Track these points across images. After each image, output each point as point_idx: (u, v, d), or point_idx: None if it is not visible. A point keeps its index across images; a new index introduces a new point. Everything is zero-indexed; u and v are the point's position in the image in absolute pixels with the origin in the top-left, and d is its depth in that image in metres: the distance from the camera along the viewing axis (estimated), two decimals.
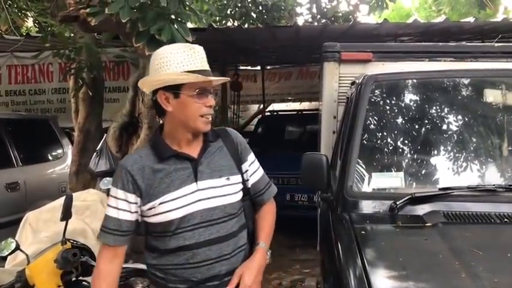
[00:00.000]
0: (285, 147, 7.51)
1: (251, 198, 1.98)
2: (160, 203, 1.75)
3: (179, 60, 1.73)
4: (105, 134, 4.93)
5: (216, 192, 1.81)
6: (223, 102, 9.53)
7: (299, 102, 10.99)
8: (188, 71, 1.72)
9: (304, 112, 9.03)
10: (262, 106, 11.08)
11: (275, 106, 11.02)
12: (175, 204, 1.76)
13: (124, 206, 1.76)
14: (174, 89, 1.74)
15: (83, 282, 2.32)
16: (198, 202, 1.78)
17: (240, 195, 1.89)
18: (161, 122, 1.87)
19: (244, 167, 1.94)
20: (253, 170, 1.97)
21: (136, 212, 1.79)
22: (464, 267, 1.69)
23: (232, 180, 1.86)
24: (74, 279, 2.25)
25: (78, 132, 5.28)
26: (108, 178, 3.85)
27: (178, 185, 1.77)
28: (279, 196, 7.52)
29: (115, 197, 1.77)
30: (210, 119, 1.80)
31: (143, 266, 2.76)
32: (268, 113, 9.78)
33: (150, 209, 1.76)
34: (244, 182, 1.92)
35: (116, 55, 5.82)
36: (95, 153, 4.70)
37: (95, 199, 3.53)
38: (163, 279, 1.82)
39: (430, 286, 1.65)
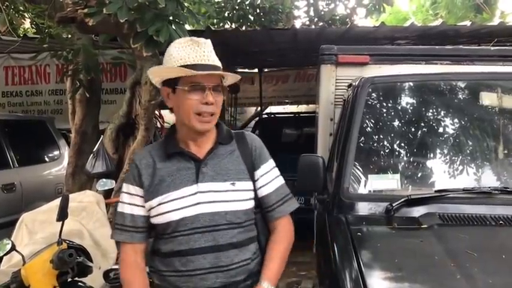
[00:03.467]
0: (281, 150, 7.46)
1: (261, 212, 1.81)
2: (159, 204, 1.67)
3: (181, 55, 1.67)
4: (102, 136, 4.93)
5: (218, 196, 1.68)
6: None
7: (296, 105, 10.99)
8: (186, 65, 1.64)
9: (301, 115, 9.04)
10: (259, 109, 11.09)
11: (272, 109, 11.04)
12: (174, 205, 1.66)
13: (138, 201, 1.71)
14: (172, 84, 1.69)
15: (79, 283, 2.32)
16: (197, 205, 1.66)
17: (249, 204, 1.74)
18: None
19: (257, 174, 1.78)
20: (267, 180, 1.79)
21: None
22: (460, 269, 1.69)
23: (238, 187, 1.71)
24: (69, 279, 2.25)
25: (75, 134, 5.28)
26: (104, 179, 3.86)
27: (178, 185, 1.67)
28: None
29: (128, 193, 1.74)
30: (209, 117, 1.69)
31: None
32: (266, 116, 9.78)
33: (150, 208, 1.70)
34: (255, 191, 1.77)
35: (113, 57, 5.82)
36: (91, 155, 4.69)
37: (91, 200, 3.52)
38: (159, 286, 1.75)
39: (425, 287, 1.66)
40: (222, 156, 1.75)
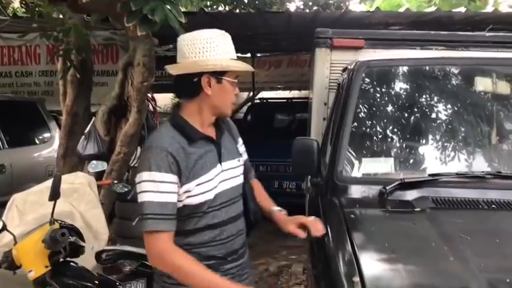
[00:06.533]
0: (274, 135, 7.52)
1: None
2: (197, 185, 1.77)
3: (225, 47, 1.79)
4: (94, 117, 4.88)
5: (234, 173, 1.90)
6: None
7: (289, 91, 10.97)
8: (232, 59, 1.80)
9: (293, 100, 9.03)
10: (251, 94, 11.05)
11: (265, 94, 11.01)
12: (209, 185, 1.79)
13: (175, 189, 1.73)
14: (219, 74, 1.78)
15: (71, 263, 2.30)
16: (223, 182, 1.84)
17: (243, 176, 1.99)
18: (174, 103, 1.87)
19: (239, 149, 2.03)
20: (243, 150, 2.07)
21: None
22: (453, 251, 1.71)
23: (240, 162, 1.96)
24: (61, 260, 2.23)
25: (66, 115, 5.21)
26: (96, 161, 3.83)
27: (210, 166, 1.81)
28: (267, 183, 7.51)
29: (163, 182, 1.70)
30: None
31: (131, 249, 2.76)
32: (258, 101, 9.75)
33: (186, 191, 1.76)
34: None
35: (105, 38, 5.74)
36: (82, 136, 4.65)
37: (82, 182, 3.49)
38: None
39: (418, 269, 1.67)
40: (223, 137, 1.93)
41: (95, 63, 6.12)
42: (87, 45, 5.18)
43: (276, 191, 7.13)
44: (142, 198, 1.71)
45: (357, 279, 1.58)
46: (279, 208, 2.08)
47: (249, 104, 10.16)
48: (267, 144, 7.15)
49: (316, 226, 1.95)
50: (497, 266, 1.64)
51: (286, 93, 10.92)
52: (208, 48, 1.76)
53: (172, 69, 1.83)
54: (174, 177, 1.72)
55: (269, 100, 9.57)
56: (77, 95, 5.12)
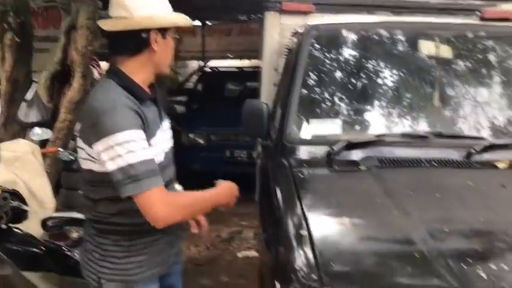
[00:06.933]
0: (224, 104, 7.47)
1: None
2: (155, 145, 1.69)
3: (166, 5, 1.75)
4: (35, 83, 4.66)
5: (169, 134, 1.85)
6: None
7: (239, 60, 10.89)
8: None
9: (244, 69, 8.98)
10: (201, 63, 10.89)
11: (215, 63, 10.87)
12: (160, 146, 1.73)
13: (147, 145, 1.66)
14: (163, 30, 1.72)
15: (14, 229, 2.23)
16: (164, 143, 1.78)
17: None
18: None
19: None
20: None
21: None
22: (396, 206, 1.78)
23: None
24: (3, 226, 2.15)
25: (6, 82, 4.94)
26: (39, 129, 3.68)
27: (156, 127, 1.74)
28: (218, 153, 7.55)
29: (140, 139, 1.61)
30: None
31: (78, 215, 2.70)
32: (208, 70, 9.63)
33: None
34: None
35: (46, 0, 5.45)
36: (24, 103, 4.45)
37: (25, 150, 3.35)
38: (130, 225, 1.72)
39: (364, 223, 1.73)
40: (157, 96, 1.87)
41: (35, 28, 5.81)
42: (26, 7, 4.90)
43: (227, 160, 7.15)
44: (125, 161, 1.58)
45: (304, 232, 1.62)
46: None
47: (199, 73, 10.01)
48: (217, 113, 7.12)
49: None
50: (437, 217, 1.72)
51: (237, 63, 10.83)
52: (153, 3, 1.70)
53: (116, 25, 1.70)
54: (143, 134, 1.65)
55: (219, 69, 9.47)
56: (17, 60, 4.85)
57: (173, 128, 1.93)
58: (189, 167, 6.38)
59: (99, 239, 1.74)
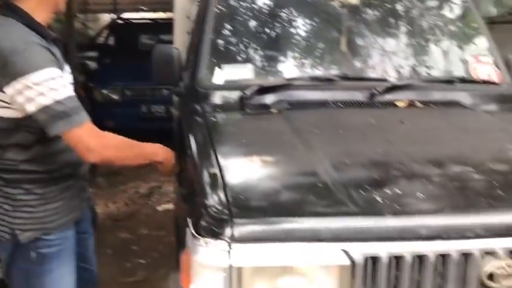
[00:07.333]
0: (139, 58, 7.21)
1: None
2: (64, 86, 1.62)
3: None
4: None
5: (71, 78, 1.78)
6: (68, 10, 8.66)
7: (153, 12, 10.50)
8: None
9: (158, 21, 8.69)
10: (114, 15, 10.37)
11: (128, 16, 10.40)
12: (69, 86, 1.66)
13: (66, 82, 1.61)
14: None
15: None
16: (70, 86, 1.70)
17: None
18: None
19: None
20: None
21: None
22: (303, 143, 1.86)
23: None
24: None
25: None
26: None
27: (63, 68, 1.67)
28: (135, 108, 7.32)
29: (59, 76, 1.56)
30: None
31: None
32: (121, 22, 9.19)
33: None
34: None
35: None
36: None
37: None
38: (41, 172, 1.68)
39: (273, 159, 1.79)
40: None
41: None
42: None
43: (144, 116, 7.00)
44: (49, 99, 1.52)
45: (215, 171, 1.65)
46: None
47: (111, 26, 9.54)
48: (131, 67, 6.86)
49: None
50: (340, 152, 1.82)
51: (152, 15, 10.44)
52: None
53: None
54: (60, 72, 1.61)
55: (132, 22, 9.09)
56: None
57: (85, 85, 1.88)
58: (103, 125, 6.17)
59: (8, 189, 1.67)
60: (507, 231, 1.45)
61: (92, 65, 8.13)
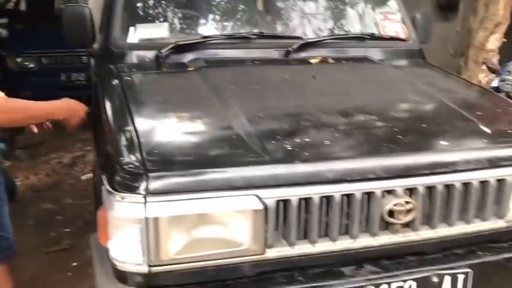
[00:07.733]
0: (55, 24, 6.83)
1: None
2: None
3: None
4: None
5: None
6: None
7: None
8: None
9: None
10: None
11: None
12: None
13: None
14: None
15: None
16: None
17: None
18: None
19: None
20: None
21: None
22: (219, 99, 1.89)
23: None
24: None
25: None
26: None
27: None
28: (54, 77, 6.98)
29: None
30: None
31: None
32: None
33: None
34: None
35: None
36: None
37: None
38: None
39: (189, 115, 1.81)
40: None
41: None
42: None
43: (63, 85, 6.68)
44: None
45: (130, 128, 1.65)
46: None
47: None
48: (48, 34, 6.44)
49: None
50: (255, 106, 1.87)
51: None
52: None
53: None
54: None
55: None
56: None
57: None
58: (19, 94, 5.85)
59: None
60: (405, 172, 1.58)
61: (3, 32, 7.64)
